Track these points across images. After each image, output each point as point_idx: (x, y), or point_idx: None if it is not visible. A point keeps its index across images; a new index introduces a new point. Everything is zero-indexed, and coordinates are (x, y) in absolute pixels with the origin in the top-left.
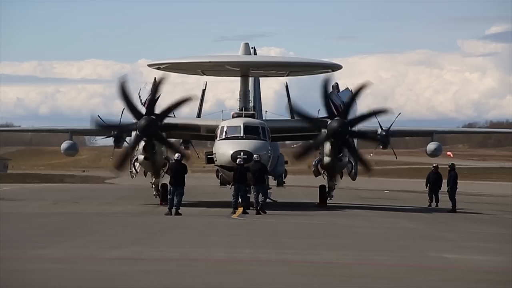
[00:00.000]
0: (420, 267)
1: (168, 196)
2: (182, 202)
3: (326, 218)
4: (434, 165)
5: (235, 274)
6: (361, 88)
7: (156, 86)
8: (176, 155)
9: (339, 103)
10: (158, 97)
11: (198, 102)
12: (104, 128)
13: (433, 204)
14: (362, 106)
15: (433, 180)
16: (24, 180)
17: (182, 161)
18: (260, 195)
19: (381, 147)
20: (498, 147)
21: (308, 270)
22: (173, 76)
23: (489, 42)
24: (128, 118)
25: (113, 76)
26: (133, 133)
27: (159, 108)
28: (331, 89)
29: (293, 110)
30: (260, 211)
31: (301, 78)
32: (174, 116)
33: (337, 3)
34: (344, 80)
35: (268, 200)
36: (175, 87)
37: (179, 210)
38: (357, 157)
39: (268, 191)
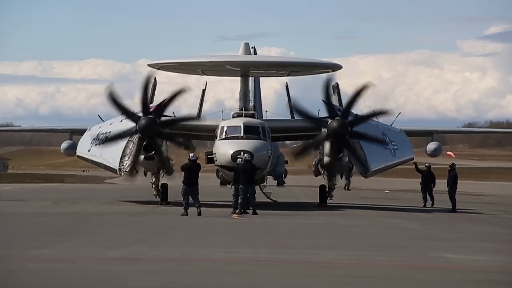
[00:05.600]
0: (420, 267)
1: (182, 197)
2: (182, 202)
3: (326, 218)
4: (426, 164)
5: (235, 274)
6: (362, 89)
7: (146, 84)
8: (191, 154)
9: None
10: (165, 99)
11: (198, 101)
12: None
13: (428, 204)
14: (362, 106)
15: (426, 179)
16: (24, 180)
17: (197, 161)
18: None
19: None
20: (498, 147)
21: (308, 270)
22: (173, 76)
23: (488, 42)
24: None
25: (114, 76)
26: (128, 138)
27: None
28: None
29: (293, 109)
30: (247, 211)
31: (301, 78)
32: (175, 117)
33: (337, 3)
34: (344, 80)
35: (268, 200)
36: (176, 87)
37: (201, 208)
38: (359, 155)
39: (268, 191)
